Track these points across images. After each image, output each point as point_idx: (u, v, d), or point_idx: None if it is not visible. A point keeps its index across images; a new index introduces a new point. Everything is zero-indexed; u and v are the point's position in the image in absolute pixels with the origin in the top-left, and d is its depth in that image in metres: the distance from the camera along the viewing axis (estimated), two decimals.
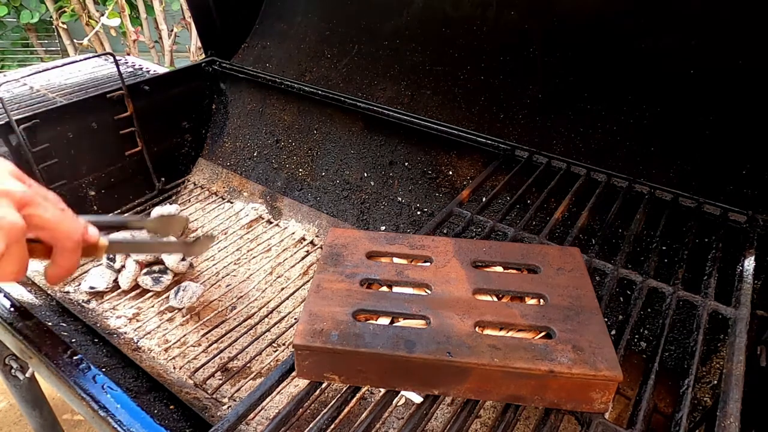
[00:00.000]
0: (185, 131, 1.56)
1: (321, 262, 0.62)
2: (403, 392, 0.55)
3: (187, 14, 2.95)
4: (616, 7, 1.01)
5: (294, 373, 0.54)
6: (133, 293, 1.17)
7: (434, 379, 0.51)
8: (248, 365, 1.01)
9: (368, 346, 0.51)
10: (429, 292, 0.58)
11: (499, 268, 0.62)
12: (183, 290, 1.14)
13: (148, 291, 1.17)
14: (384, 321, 0.55)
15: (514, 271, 0.61)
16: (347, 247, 0.64)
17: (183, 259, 1.21)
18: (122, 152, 1.37)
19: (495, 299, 0.58)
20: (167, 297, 1.15)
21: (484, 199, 0.89)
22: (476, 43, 1.19)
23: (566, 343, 0.50)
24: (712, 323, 0.65)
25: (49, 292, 1.09)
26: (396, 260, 0.64)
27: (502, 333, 0.53)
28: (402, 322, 0.55)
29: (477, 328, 0.53)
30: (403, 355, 0.49)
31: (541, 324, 0.53)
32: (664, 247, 0.93)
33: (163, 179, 1.49)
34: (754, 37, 0.88)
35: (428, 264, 0.62)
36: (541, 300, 0.57)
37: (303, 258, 1.30)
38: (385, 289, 0.60)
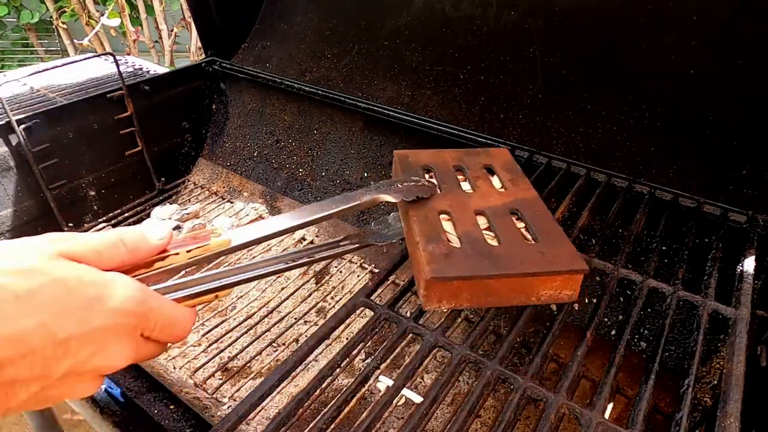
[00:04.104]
0: (185, 131, 1.56)
1: (463, 150, 0.75)
2: (403, 392, 0.55)
3: (187, 14, 2.96)
4: (616, 7, 1.01)
5: (295, 373, 0.54)
6: None
7: (529, 288, 0.56)
8: (248, 365, 1.01)
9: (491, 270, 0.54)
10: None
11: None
12: None
13: None
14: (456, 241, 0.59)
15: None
16: (489, 156, 0.76)
17: None
18: (122, 152, 1.37)
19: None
20: None
21: None
22: (476, 43, 1.19)
23: (542, 244, 0.59)
24: (712, 323, 0.65)
25: None
26: (492, 178, 0.73)
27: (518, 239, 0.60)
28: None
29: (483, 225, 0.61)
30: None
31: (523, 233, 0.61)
32: (664, 247, 0.93)
33: (163, 179, 1.49)
34: (754, 37, 0.88)
35: (499, 190, 0.69)
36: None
37: None
38: (460, 177, 0.70)
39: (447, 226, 0.60)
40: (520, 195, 0.68)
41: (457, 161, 0.73)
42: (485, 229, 0.61)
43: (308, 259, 0.57)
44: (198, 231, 0.45)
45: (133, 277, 0.41)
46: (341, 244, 0.61)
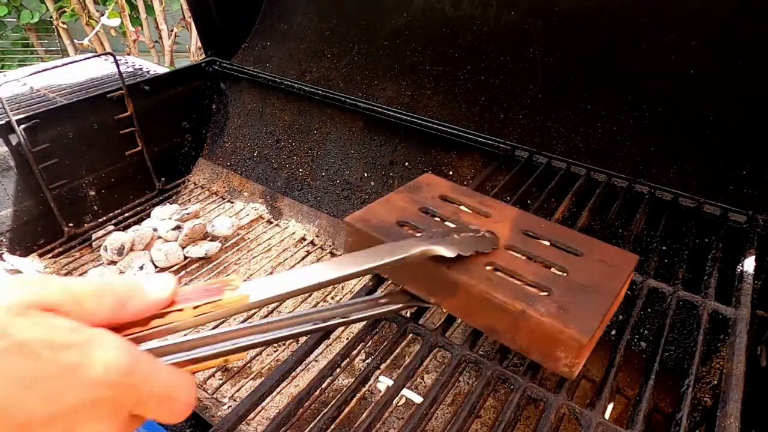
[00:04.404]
0: (185, 131, 1.56)
1: (401, 188, 0.70)
2: (403, 392, 0.55)
3: (187, 14, 2.96)
4: (616, 7, 1.01)
5: (295, 373, 0.54)
6: None
7: (432, 285, 0.56)
8: (248, 365, 1.01)
9: (385, 236, 0.59)
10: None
11: (546, 242, 0.61)
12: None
13: None
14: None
15: (555, 249, 0.60)
16: (430, 187, 0.71)
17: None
18: (122, 152, 1.37)
19: (521, 257, 0.58)
20: None
21: None
22: (476, 43, 1.19)
23: (556, 302, 0.51)
24: (712, 323, 0.65)
25: None
26: (462, 207, 0.67)
27: (508, 278, 0.55)
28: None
29: (487, 267, 0.55)
30: (402, 253, 0.51)
31: (545, 284, 0.53)
32: (664, 247, 0.93)
33: (163, 179, 1.49)
34: (754, 37, 0.88)
35: (485, 218, 0.65)
36: (563, 272, 0.56)
37: (303, 258, 1.30)
38: (437, 219, 0.65)
39: (506, 278, 0.54)
40: (511, 214, 0.66)
41: (415, 203, 0.66)
42: (532, 262, 0.57)
43: (342, 320, 0.50)
44: (210, 282, 0.37)
45: (124, 336, 0.32)
46: (380, 301, 0.54)
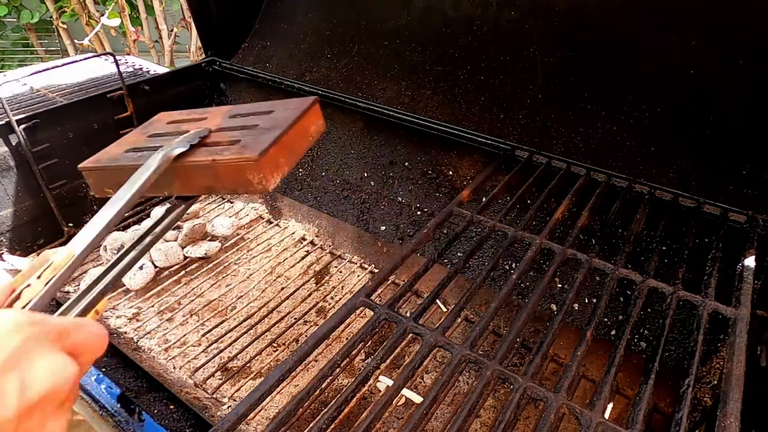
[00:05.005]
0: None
1: (135, 129, 0.76)
2: (403, 392, 0.55)
3: (187, 14, 2.96)
4: (616, 7, 1.01)
5: (295, 373, 0.54)
6: (133, 293, 1.17)
7: (182, 180, 0.66)
8: (248, 365, 1.01)
9: (118, 162, 0.66)
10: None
11: (249, 116, 0.74)
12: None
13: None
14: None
15: (254, 116, 0.73)
16: (160, 120, 0.79)
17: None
18: None
19: (227, 132, 0.71)
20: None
21: (484, 199, 0.89)
22: (476, 43, 1.19)
23: (240, 145, 0.65)
24: (712, 323, 0.65)
25: None
26: (183, 125, 0.76)
27: (213, 147, 0.67)
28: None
29: (201, 147, 0.67)
30: (135, 164, 0.62)
31: (236, 138, 0.67)
32: (664, 247, 0.93)
33: None
34: (755, 37, 0.88)
35: (202, 121, 0.75)
36: (255, 126, 0.70)
37: (303, 258, 1.30)
38: (165, 138, 0.72)
39: (212, 147, 0.69)
40: (223, 110, 0.77)
41: (144, 135, 0.77)
42: (233, 131, 0.72)
43: (142, 245, 0.60)
44: (35, 259, 0.46)
45: None
46: (164, 216, 0.66)
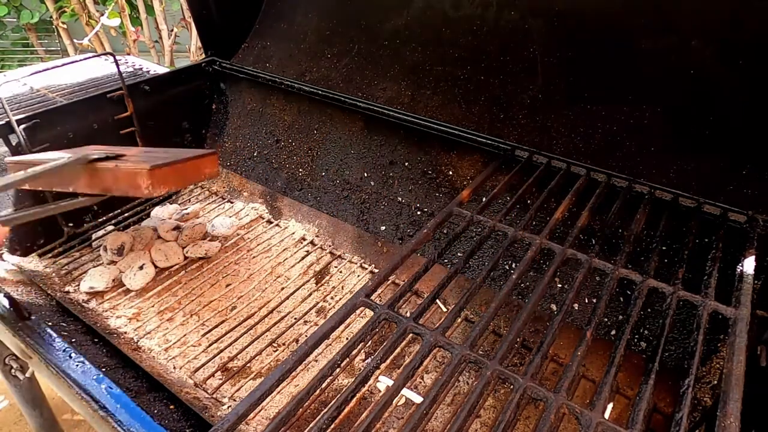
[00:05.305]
0: (185, 131, 1.56)
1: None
2: (403, 392, 0.55)
3: (187, 14, 2.96)
4: (616, 7, 1.01)
5: (295, 373, 0.54)
6: (133, 293, 1.17)
7: (67, 180, 0.91)
8: (248, 365, 1.01)
9: (41, 158, 0.91)
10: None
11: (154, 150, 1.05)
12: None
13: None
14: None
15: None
16: (88, 148, 1.05)
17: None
18: None
19: (137, 155, 0.97)
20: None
21: (484, 199, 0.89)
22: (476, 43, 1.19)
23: (140, 161, 0.89)
24: (712, 323, 0.65)
25: (49, 292, 1.09)
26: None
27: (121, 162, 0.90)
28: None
29: (113, 160, 0.90)
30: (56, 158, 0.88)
31: (141, 159, 0.89)
32: (664, 247, 0.93)
33: None
34: (755, 37, 0.88)
35: (123, 150, 0.99)
36: (159, 156, 0.93)
37: (303, 258, 1.30)
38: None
39: (119, 162, 0.91)
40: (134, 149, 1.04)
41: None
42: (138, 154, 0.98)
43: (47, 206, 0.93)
44: None
45: None
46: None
